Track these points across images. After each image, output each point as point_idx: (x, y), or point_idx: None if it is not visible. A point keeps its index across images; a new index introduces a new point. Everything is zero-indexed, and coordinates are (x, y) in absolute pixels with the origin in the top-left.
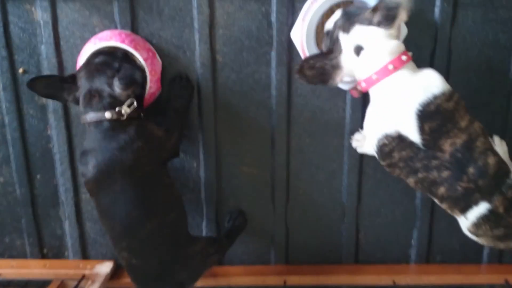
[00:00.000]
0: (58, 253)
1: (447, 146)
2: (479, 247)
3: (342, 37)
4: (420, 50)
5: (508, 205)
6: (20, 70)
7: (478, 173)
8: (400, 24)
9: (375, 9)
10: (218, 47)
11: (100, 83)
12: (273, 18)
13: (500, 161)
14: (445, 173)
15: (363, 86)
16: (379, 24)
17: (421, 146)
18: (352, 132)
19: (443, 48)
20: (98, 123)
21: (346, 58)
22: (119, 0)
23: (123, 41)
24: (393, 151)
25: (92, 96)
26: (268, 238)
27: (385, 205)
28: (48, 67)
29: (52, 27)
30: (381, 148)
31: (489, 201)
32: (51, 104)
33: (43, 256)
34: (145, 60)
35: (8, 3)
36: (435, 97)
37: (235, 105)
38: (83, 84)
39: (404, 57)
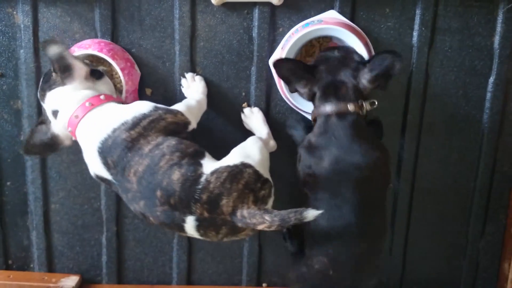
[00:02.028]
0: (23, 265)
1: (132, 175)
2: None
3: (43, 107)
4: (398, 73)
5: (210, 207)
6: None
7: (166, 194)
8: (83, 71)
9: (53, 67)
10: (198, 60)
11: None
12: (255, 33)
13: (185, 173)
14: (142, 203)
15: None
16: (62, 80)
17: (114, 181)
18: None
19: (420, 72)
20: (341, 115)
21: (54, 125)
22: (101, 8)
23: (101, 50)
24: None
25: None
26: (240, 258)
27: None
28: (26, 72)
29: (32, 31)
30: None
31: (190, 212)
32: (26, 109)
33: (8, 267)
34: (122, 70)
35: None
36: (114, 130)
37: (212, 120)
38: None
39: (88, 104)
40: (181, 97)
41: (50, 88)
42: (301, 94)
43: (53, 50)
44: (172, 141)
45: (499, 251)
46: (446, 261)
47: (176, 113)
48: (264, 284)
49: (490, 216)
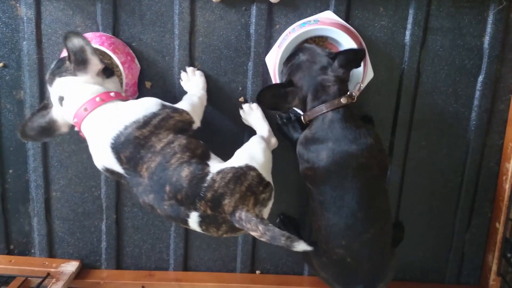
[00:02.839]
0: (24, 250)
1: (144, 171)
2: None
3: (49, 90)
4: (391, 71)
5: (213, 205)
6: (0, 64)
7: (174, 189)
8: (97, 68)
9: (69, 57)
10: (197, 54)
11: None
12: (252, 29)
13: (193, 170)
14: (151, 196)
15: (74, 121)
16: (75, 71)
17: (125, 175)
18: None
19: (412, 70)
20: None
21: (56, 110)
22: (103, 2)
23: (102, 44)
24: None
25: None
26: (235, 246)
27: None
28: (28, 63)
29: (35, 24)
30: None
31: (195, 209)
32: (28, 100)
33: (9, 252)
34: (123, 63)
35: None
36: (126, 128)
37: (209, 113)
38: None
39: (98, 99)
40: (179, 90)
41: (61, 74)
42: (295, 107)
43: (75, 42)
44: (182, 140)
45: (484, 243)
46: (433, 251)
47: (182, 112)
48: (257, 271)
49: (476, 209)
